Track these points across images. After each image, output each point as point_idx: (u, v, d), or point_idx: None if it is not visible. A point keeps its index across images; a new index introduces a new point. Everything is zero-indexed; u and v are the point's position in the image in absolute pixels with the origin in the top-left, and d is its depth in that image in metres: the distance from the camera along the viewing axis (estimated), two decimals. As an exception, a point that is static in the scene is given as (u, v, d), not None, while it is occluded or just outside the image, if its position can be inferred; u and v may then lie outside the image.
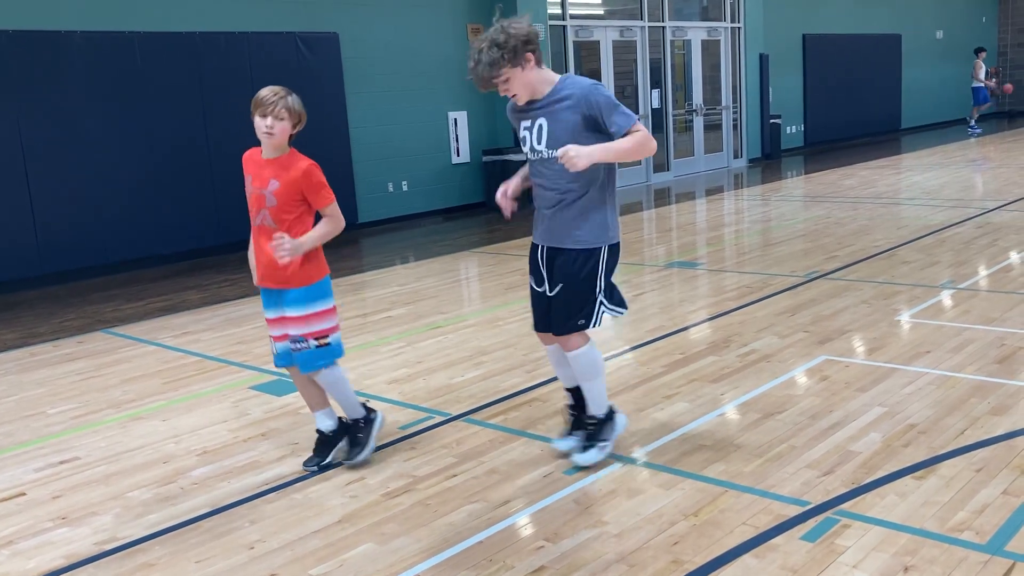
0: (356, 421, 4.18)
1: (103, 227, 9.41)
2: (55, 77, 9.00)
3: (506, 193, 3.93)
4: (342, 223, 3.94)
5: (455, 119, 12.78)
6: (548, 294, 3.91)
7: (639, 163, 15.27)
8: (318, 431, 4.18)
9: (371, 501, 3.77)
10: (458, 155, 12.87)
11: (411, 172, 12.37)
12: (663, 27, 15.37)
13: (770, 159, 17.66)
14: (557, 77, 3.79)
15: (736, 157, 17.28)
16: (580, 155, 3.53)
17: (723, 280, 7.67)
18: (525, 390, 5.05)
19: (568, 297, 3.83)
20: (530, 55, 3.67)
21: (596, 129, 3.69)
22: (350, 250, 10.39)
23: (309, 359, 3.95)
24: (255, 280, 4.05)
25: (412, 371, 5.56)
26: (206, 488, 4.02)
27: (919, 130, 22.64)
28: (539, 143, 3.77)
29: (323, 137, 10.97)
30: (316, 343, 3.93)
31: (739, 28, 16.77)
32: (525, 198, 3.98)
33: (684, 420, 4.46)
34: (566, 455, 4.06)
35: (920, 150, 17.93)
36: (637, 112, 15.06)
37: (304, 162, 3.85)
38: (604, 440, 4.02)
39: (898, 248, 8.38)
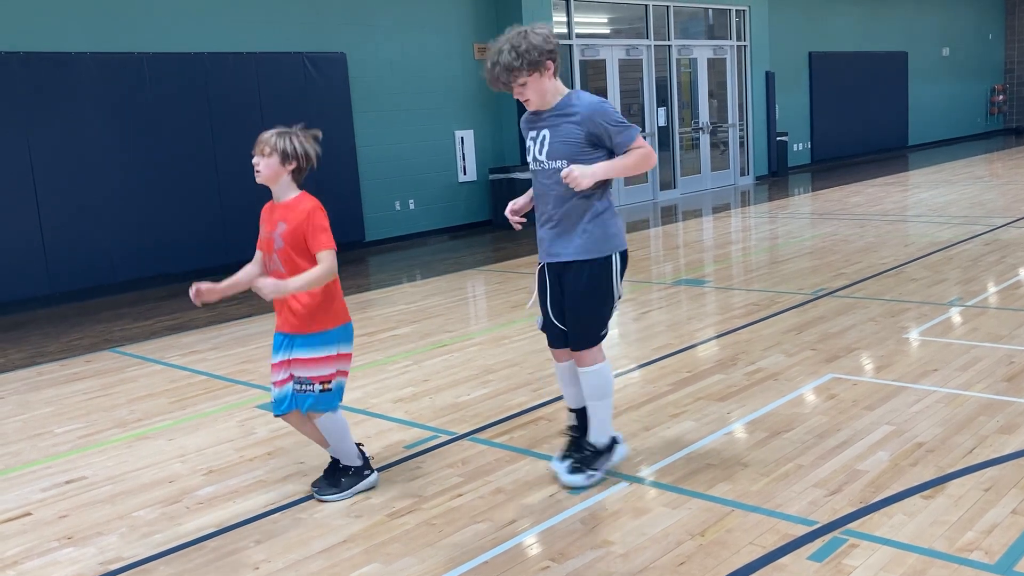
0: (347, 468, 4.05)
1: (111, 246, 9.46)
2: (64, 98, 9.07)
3: (514, 209, 4.01)
4: (332, 271, 3.78)
5: (462, 138, 12.83)
6: (562, 310, 3.90)
7: (646, 181, 15.29)
8: (333, 456, 4.10)
9: (376, 521, 3.76)
10: (465, 174, 12.91)
11: (418, 191, 12.40)
12: (669, 45, 15.43)
13: (777, 176, 17.67)
14: (567, 91, 3.84)
15: (743, 174, 17.30)
16: (584, 175, 3.59)
17: (730, 298, 7.66)
18: (531, 408, 5.04)
19: (584, 309, 3.85)
20: (550, 63, 3.73)
21: (599, 145, 3.73)
22: (357, 268, 10.41)
23: (311, 403, 3.86)
24: (225, 282, 3.87)
25: (418, 390, 5.55)
26: (212, 508, 4.01)
27: (926, 147, 22.64)
28: (540, 153, 3.83)
29: (330, 156, 10.92)
30: (320, 387, 3.85)
31: (745, 46, 16.82)
32: (532, 215, 4.03)
33: (691, 439, 4.44)
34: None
35: (927, 167, 17.92)
36: (644, 129, 15.11)
37: (310, 203, 3.84)
38: (595, 470, 3.98)
39: (906, 265, 8.36)
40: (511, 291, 8.50)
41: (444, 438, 4.68)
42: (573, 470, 3.97)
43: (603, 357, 3.92)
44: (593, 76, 14.28)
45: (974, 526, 3.36)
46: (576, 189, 3.61)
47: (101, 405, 5.68)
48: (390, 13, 11.90)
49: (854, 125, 20.27)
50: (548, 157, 3.79)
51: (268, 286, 3.66)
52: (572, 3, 13.69)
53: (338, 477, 4.04)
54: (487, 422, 4.87)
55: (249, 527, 3.79)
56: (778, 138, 17.66)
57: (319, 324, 3.83)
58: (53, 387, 6.17)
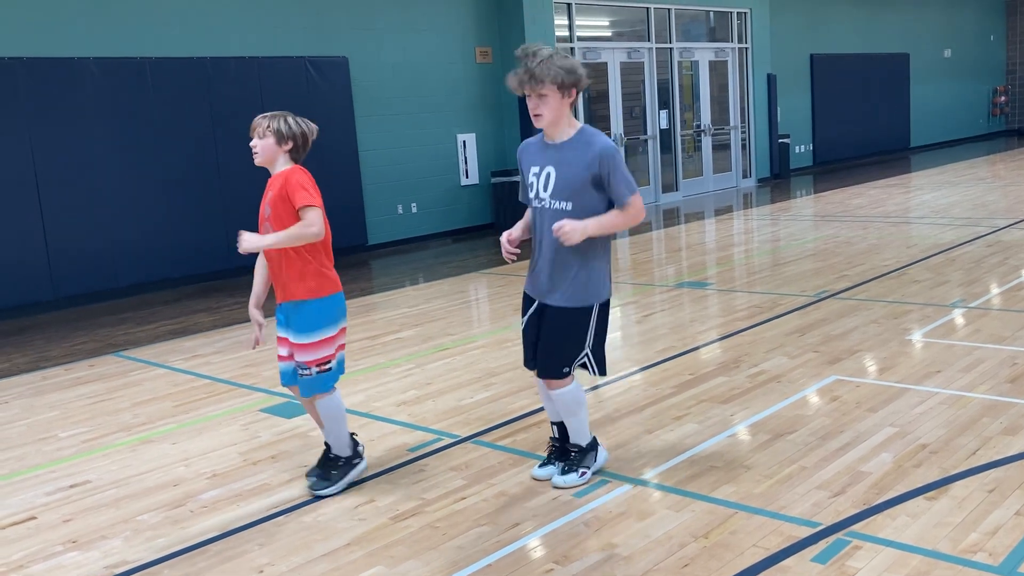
0: (337, 458, 4.14)
1: (114, 251, 9.47)
2: (68, 103, 9.09)
3: (510, 239, 3.95)
4: (314, 228, 3.81)
5: (464, 141, 12.85)
6: (534, 340, 3.95)
7: (648, 183, 15.29)
8: (326, 443, 4.19)
9: (380, 524, 3.77)
10: (467, 177, 12.92)
11: (420, 194, 12.42)
12: (671, 48, 15.44)
13: (779, 179, 17.67)
14: (579, 125, 3.80)
15: (745, 177, 17.30)
16: (575, 230, 3.62)
17: (733, 300, 7.66)
18: (534, 411, 5.05)
19: (555, 348, 3.88)
20: (574, 91, 3.72)
21: (599, 187, 3.73)
22: (359, 272, 10.42)
23: (309, 385, 3.99)
24: (253, 300, 4.11)
25: (421, 393, 5.56)
26: (216, 511, 4.02)
27: (928, 149, 22.63)
28: (544, 191, 3.79)
29: (333, 160, 11.04)
30: (317, 369, 3.96)
31: (746, 48, 16.84)
32: (526, 245, 4.03)
33: (694, 441, 4.44)
34: (545, 481, 4.08)
35: (929, 168, 17.92)
36: (645, 133, 15.13)
37: (293, 169, 3.94)
38: (586, 467, 4.05)
39: (908, 267, 8.36)
40: (513, 294, 8.51)
41: (447, 441, 4.69)
42: (565, 471, 4.03)
43: (571, 379, 3.95)
44: (595, 79, 14.29)
45: (978, 527, 3.36)
46: (566, 244, 3.65)
47: (105, 409, 5.69)
48: (392, 17, 11.92)
49: (856, 127, 20.27)
50: (552, 196, 3.76)
51: (249, 239, 3.79)
52: (574, 6, 13.71)
53: (328, 469, 4.12)
54: (490, 425, 4.88)
55: (253, 530, 3.80)
56: (780, 140, 17.66)
57: (309, 288, 3.91)
58: (57, 391, 6.19)
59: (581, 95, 3.91)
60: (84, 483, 4.46)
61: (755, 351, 5.95)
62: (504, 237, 3.97)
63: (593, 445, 4.11)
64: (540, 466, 4.16)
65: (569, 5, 13.64)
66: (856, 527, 3.43)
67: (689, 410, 4.90)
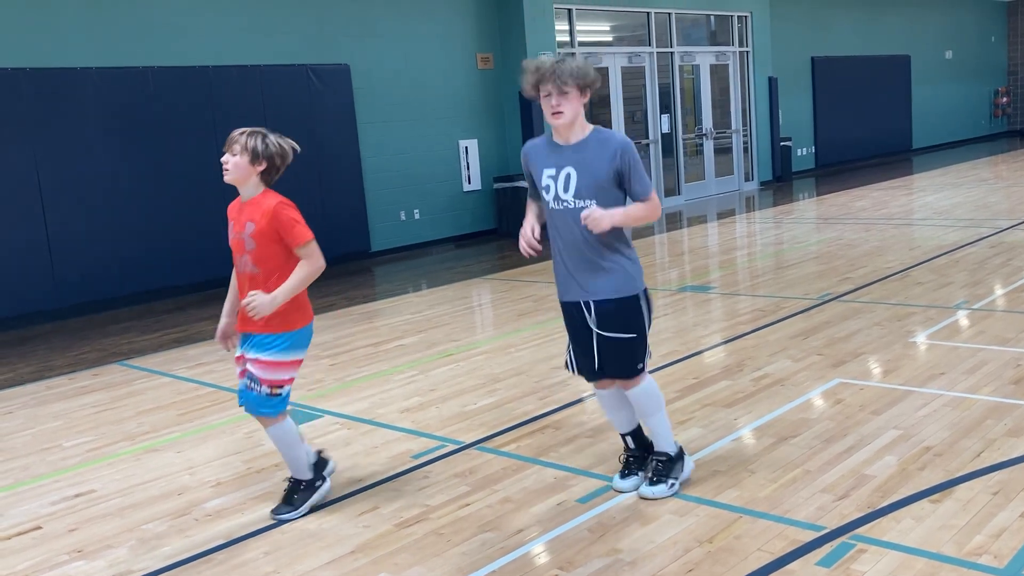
0: (298, 482, 3.99)
1: (118, 260, 9.49)
2: (71, 112, 9.12)
3: (533, 235, 3.83)
4: (319, 263, 3.76)
5: (466, 147, 12.86)
6: (590, 350, 3.83)
7: (650, 188, 15.27)
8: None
9: (384, 531, 3.77)
10: (469, 183, 12.94)
11: (423, 200, 12.43)
12: (671, 52, 15.45)
13: (781, 181, 17.66)
14: (591, 127, 3.80)
15: (747, 180, 17.29)
16: (604, 217, 3.60)
17: (736, 304, 7.66)
18: (538, 417, 5.05)
19: (622, 346, 3.80)
20: (588, 93, 3.74)
21: (619, 184, 3.73)
22: (363, 278, 10.43)
23: (256, 403, 3.83)
24: (220, 328, 4.00)
25: (424, 399, 5.56)
26: (220, 519, 4.02)
27: (930, 150, 22.61)
28: (565, 192, 3.73)
29: (335, 167, 11.06)
30: (268, 391, 3.80)
31: (747, 52, 16.84)
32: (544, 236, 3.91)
33: (698, 445, 4.44)
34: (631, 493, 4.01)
35: (932, 170, 17.90)
36: (647, 137, 15.14)
37: (273, 200, 3.75)
38: (674, 478, 3.93)
39: (911, 269, 8.35)
40: (517, 299, 8.51)
41: (451, 447, 4.69)
42: (653, 482, 3.91)
43: (647, 376, 3.91)
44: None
45: (983, 530, 3.36)
46: (595, 231, 3.62)
47: (109, 418, 5.70)
48: (393, 24, 11.95)
49: (858, 129, 20.26)
50: (576, 196, 3.70)
51: (264, 304, 3.62)
52: (574, 11, 13.73)
53: (290, 493, 4.00)
54: (494, 431, 4.88)
55: (258, 538, 3.80)
56: (782, 143, 17.65)
57: (290, 321, 3.78)
58: (61, 401, 6.20)
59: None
60: (89, 492, 4.47)
61: (759, 354, 5.94)
62: (528, 231, 3.82)
63: (680, 455, 4.00)
64: (622, 477, 4.01)
65: (570, 10, 13.66)
66: (861, 530, 3.43)
67: (693, 414, 4.90)
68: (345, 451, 4.74)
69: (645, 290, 3.90)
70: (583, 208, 3.67)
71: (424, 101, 12.33)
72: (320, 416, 5.37)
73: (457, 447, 4.68)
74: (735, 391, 5.23)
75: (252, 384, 3.81)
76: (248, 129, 3.80)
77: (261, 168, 3.77)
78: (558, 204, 3.76)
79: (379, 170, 11.82)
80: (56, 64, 9.06)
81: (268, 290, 3.71)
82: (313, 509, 4.00)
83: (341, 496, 4.15)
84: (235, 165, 3.75)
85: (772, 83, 17.19)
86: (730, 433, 4.58)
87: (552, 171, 3.76)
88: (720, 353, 6.11)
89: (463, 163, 12.84)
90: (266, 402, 3.82)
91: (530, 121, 12.51)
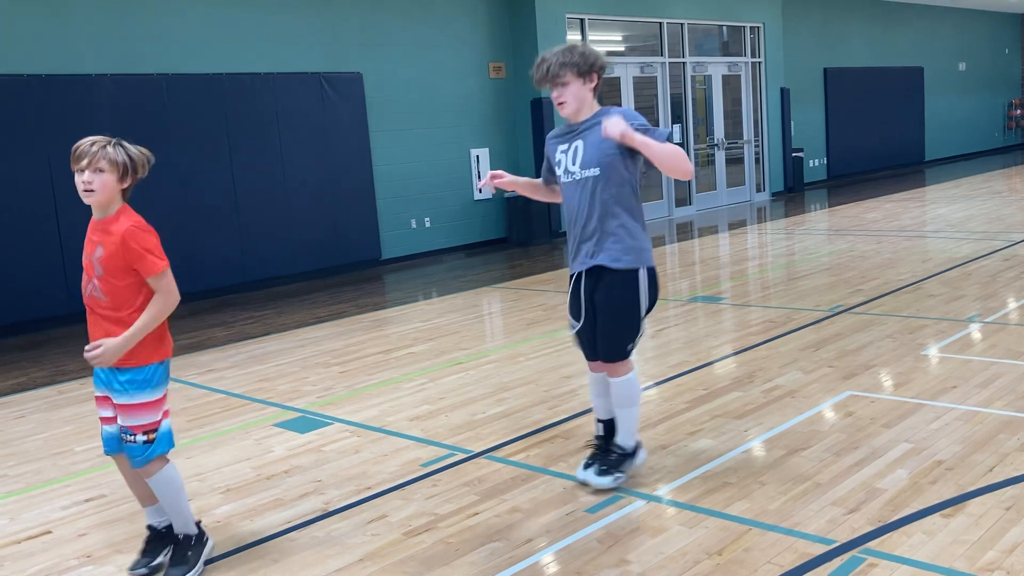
0: (187, 537, 3.54)
1: (130, 265, 9.52)
2: (85, 119, 9.17)
3: (494, 174, 4.08)
4: (173, 297, 3.30)
5: (477, 156, 12.89)
6: (592, 324, 3.99)
7: (661, 197, 15.29)
8: (148, 527, 3.64)
9: (392, 540, 3.77)
10: (480, 192, 12.96)
11: (434, 209, 12.46)
12: (684, 62, 15.46)
13: (793, 192, 17.64)
14: (599, 108, 3.96)
15: (759, 191, 17.27)
16: (619, 124, 3.65)
17: (747, 314, 7.63)
18: (547, 427, 5.04)
19: (614, 320, 3.93)
20: (595, 76, 3.89)
21: (627, 155, 3.82)
22: (373, 286, 10.45)
23: (137, 453, 3.38)
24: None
25: (434, 407, 5.56)
26: (230, 526, 4.03)
27: (943, 162, 22.54)
28: (574, 164, 3.91)
29: (347, 175, 11.10)
30: (144, 437, 3.36)
31: (760, 63, 16.84)
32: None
33: (708, 457, 4.42)
34: (584, 484, 4.10)
35: (944, 182, 17.84)
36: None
37: (125, 224, 3.27)
38: (622, 472, 4.10)
39: (923, 281, 8.32)
40: (526, 308, 8.51)
41: (460, 456, 4.68)
42: (602, 472, 4.07)
43: (632, 367, 4.04)
44: (608, 93, 14.32)
45: (995, 545, 3.33)
46: (610, 134, 3.65)
47: (120, 423, 5.71)
48: (405, 34, 12.00)
49: (870, 141, 20.23)
50: (582, 167, 3.88)
51: (111, 349, 3.20)
52: (587, 21, 13.76)
53: (182, 553, 3.51)
54: (503, 440, 4.88)
55: (266, 545, 3.80)
56: (794, 154, 17.64)
57: (146, 354, 3.34)
58: (73, 405, 6.22)
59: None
60: (99, 497, 4.48)
61: (769, 366, 5.92)
62: (500, 172, 4.11)
63: (635, 452, 4.15)
64: (584, 468, 4.18)
65: (582, 20, 13.69)
66: (871, 544, 3.41)
67: (703, 425, 4.88)
68: (354, 459, 4.74)
69: (651, 269, 3.95)
70: (589, 176, 3.85)
71: (436, 110, 12.38)
72: (330, 424, 5.37)
73: (466, 456, 4.68)
74: (745, 402, 5.22)
75: (127, 436, 3.37)
76: (100, 139, 3.29)
77: (127, 184, 3.33)
78: (568, 177, 3.96)
79: (390, 178, 11.86)
80: (70, 71, 9.13)
81: (118, 322, 3.30)
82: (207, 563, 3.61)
83: (350, 504, 4.15)
84: (102, 185, 3.24)
85: (784, 94, 17.18)
86: (740, 445, 4.56)
87: (565, 147, 3.98)
88: (731, 364, 6.10)
89: (474, 172, 12.86)
90: (147, 449, 3.37)
91: (541, 130, 12.53)
